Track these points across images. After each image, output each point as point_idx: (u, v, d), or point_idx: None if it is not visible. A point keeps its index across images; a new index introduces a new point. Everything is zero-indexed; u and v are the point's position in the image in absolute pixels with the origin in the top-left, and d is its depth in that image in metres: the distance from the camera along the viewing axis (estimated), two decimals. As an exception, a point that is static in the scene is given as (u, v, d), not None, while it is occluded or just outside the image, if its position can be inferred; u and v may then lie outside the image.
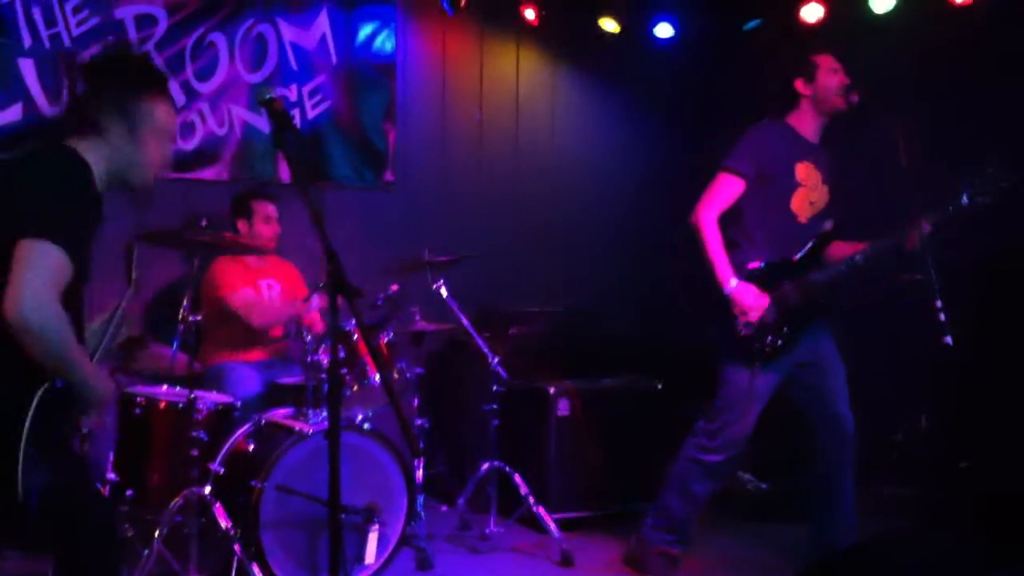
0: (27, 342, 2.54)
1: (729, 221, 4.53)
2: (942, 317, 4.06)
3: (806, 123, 4.57)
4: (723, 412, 4.49)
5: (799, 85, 4.56)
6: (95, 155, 2.87)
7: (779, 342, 4.39)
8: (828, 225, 4.61)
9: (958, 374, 5.33)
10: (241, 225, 5.51)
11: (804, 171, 4.51)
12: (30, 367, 2.58)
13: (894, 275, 5.47)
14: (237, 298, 5.30)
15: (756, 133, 4.57)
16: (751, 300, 4.36)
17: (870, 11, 5.91)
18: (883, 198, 4.52)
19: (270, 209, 5.53)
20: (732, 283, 4.38)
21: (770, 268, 4.45)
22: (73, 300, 2.68)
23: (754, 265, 4.46)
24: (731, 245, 4.49)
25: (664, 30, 6.89)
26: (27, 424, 2.53)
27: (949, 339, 4.05)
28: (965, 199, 4.15)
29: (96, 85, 2.99)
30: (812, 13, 6.23)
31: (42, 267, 2.57)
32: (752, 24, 6.86)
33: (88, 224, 2.78)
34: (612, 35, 6.84)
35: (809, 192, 4.52)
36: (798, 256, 4.48)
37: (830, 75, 4.51)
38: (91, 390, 2.76)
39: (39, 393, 2.58)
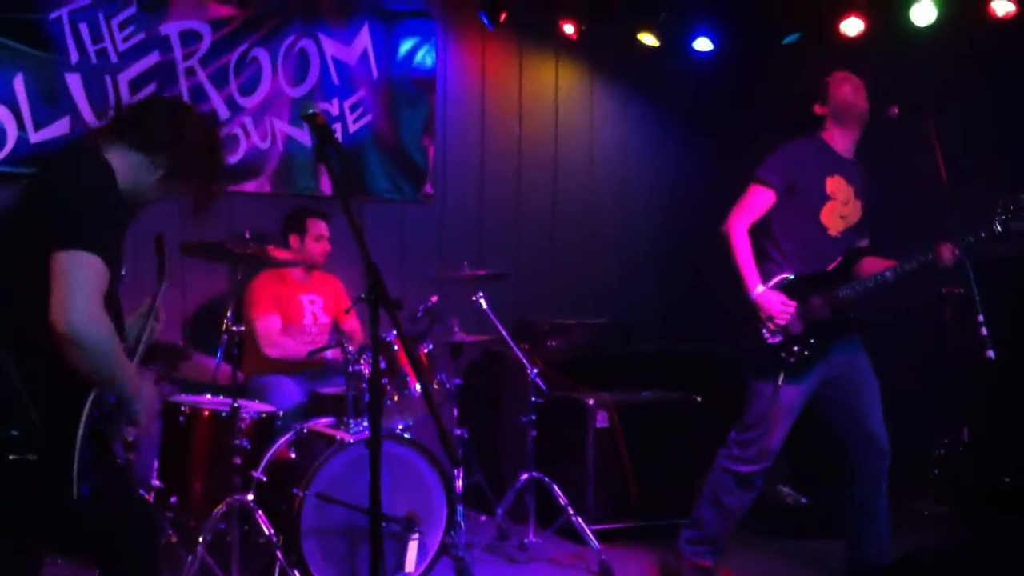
0: (75, 355, 2.53)
1: (761, 233, 4.55)
2: (984, 331, 4.04)
3: (837, 139, 4.59)
4: (754, 424, 4.49)
5: (818, 108, 4.60)
6: (121, 161, 2.86)
7: (805, 353, 4.39)
8: (864, 242, 4.62)
9: (1000, 389, 5.29)
10: (293, 240, 5.58)
11: (835, 185, 4.52)
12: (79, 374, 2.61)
13: (933, 289, 5.45)
14: (259, 325, 5.37)
15: (788, 147, 4.61)
16: (777, 307, 4.37)
17: (911, 24, 5.88)
18: (922, 211, 4.51)
19: (323, 228, 5.59)
20: (759, 289, 4.41)
21: (799, 280, 4.46)
22: (110, 302, 2.69)
23: (783, 275, 4.48)
24: (761, 256, 4.52)
25: (703, 44, 6.89)
26: (80, 429, 2.57)
27: (991, 353, 4.02)
28: (998, 226, 4.14)
29: (170, 124, 2.98)
30: (852, 27, 6.22)
31: (84, 277, 2.55)
32: (791, 38, 6.84)
33: (118, 227, 2.78)
34: (651, 49, 6.85)
35: (840, 206, 4.53)
36: (829, 269, 4.49)
37: (841, 85, 4.54)
38: (137, 402, 2.78)
39: (90, 399, 2.62)
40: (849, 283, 4.44)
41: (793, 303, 4.39)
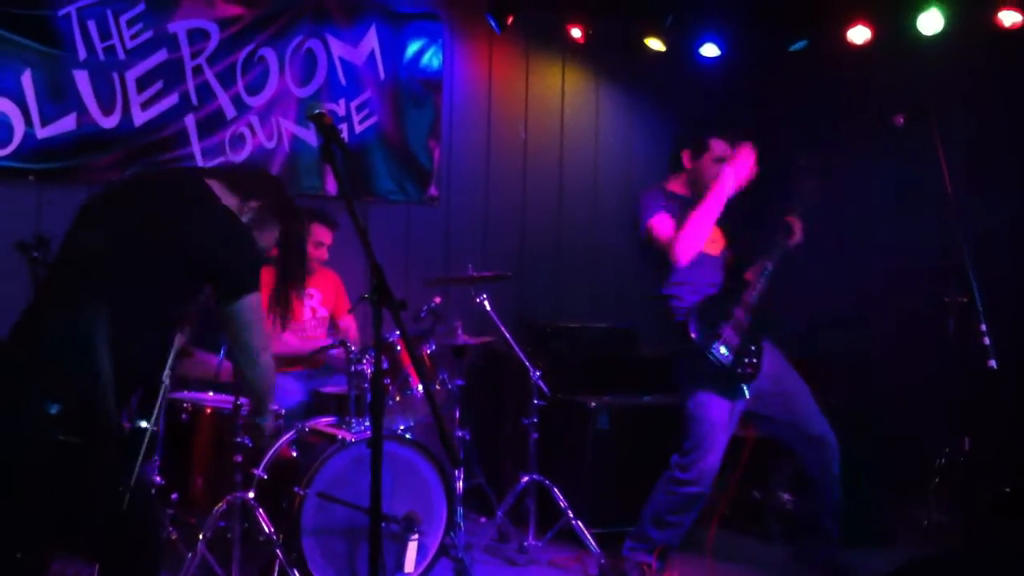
0: (260, 378, 3.14)
1: (661, 268, 4.62)
2: (986, 341, 4.05)
3: (680, 188, 4.69)
4: (696, 446, 4.50)
5: (685, 157, 4.68)
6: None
7: (755, 360, 4.46)
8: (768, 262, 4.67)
9: (1002, 398, 5.28)
10: None
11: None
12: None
13: (937, 298, 5.45)
14: None
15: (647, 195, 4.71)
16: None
17: (918, 33, 5.89)
18: (927, 218, 4.52)
19: (325, 235, 5.55)
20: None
21: (714, 299, 4.55)
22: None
23: (695, 301, 4.54)
24: (673, 296, 4.61)
25: (709, 50, 6.90)
26: (151, 429, 2.72)
27: (993, 363, 4.03)
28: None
29: (278, 205, 3.26)
30: (859, 35, 6.22)
31: (261, 320, 3.06)
32: (798, 45, 6.85)
33: None
34: (657, 54, 6.86)
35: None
36: (725, 282, 4.63)
37: (712, 166, 4.58)
38: (264, 427, 3.37)
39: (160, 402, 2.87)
40: (746, 289, 4.52)
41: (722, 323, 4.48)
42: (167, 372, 3.22)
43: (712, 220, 4.43)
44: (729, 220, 4.59)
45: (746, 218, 4.65)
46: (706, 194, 4.43)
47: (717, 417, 4.46)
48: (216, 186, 3.09)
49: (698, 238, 4.39)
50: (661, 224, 4.51)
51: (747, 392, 4.45)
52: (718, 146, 4.59)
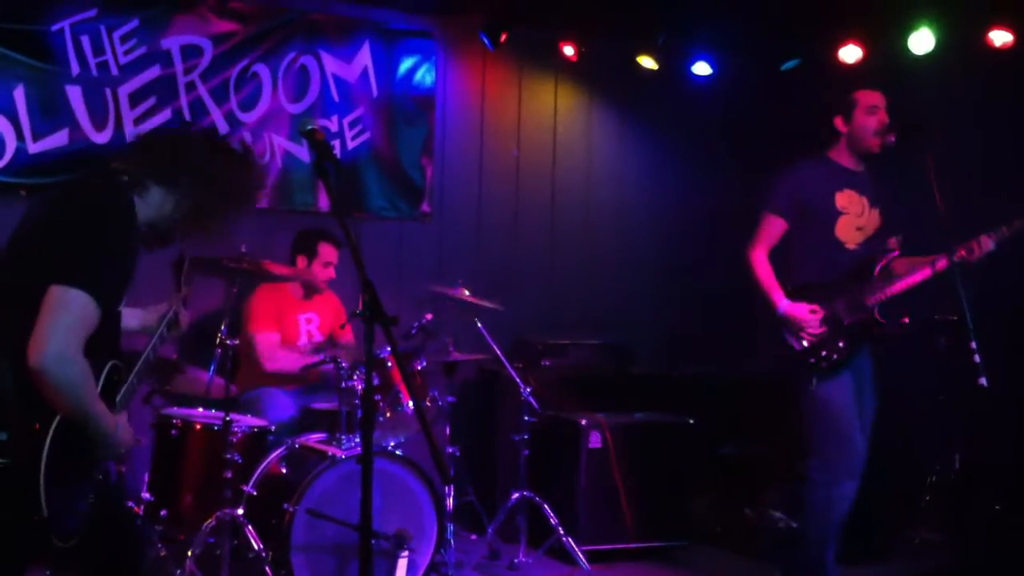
0: (46, 391, 2.53)
1: (782, 257, 4.59)
2: (977, 359, 4.05)
3: (844, 157, 4.63)
4: (823, 441, 4.44)
5: (838, 123, 4.61)
6: (144, 196, 2.85)
7: (834, 356, 4.40)
8: (892, 242, 4.61)
9: (992, 416, 5.29)
10: (300, 260, 5.55)
11: (845, 199, 4.56)
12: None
13: (927, 316, 5.46)
14: (259, 339, 5.36)
15: (791, 171, 4.65)
16: (805, 315, 4.41)
17: (909, 52, 5.92)
18: (917, 237, 4.53)
19: (333, 255, 5.54)
20: (784, 303, 4.44)
21: (822, 285, 4.49)
22: (107, 324, 2.69)
23: (803, 283, 4.51)
24: (784, 274, 4.55)
25: (702, 68, 6.93)
26: (46, 447, 2.55)
27: (984, 380, 4.03)
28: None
29: (198, 159, 2.94)
30: (851, 54, 6.25)
31: (70, 317, 2.54)
32: (790, 64, 6.88)
33: (126, 269, 2.76)
34: (650, 73, 6.88)
35: (854, 219, 4.57)
36: (851, 273, 4.51)
37: (867, 116, 4.54)
38: (108, 440, 2.73)
39: (55, 423, 2.58)
40: (876, 289, 4.44)
41: (818, 308, 4.42)
42: (153, 346, 3.08)
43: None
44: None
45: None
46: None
47: (816, 402, 4.42)
48: (117, 165, 2.87)
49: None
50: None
51: (814, 384, 4.38)
52: None
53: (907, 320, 4.46)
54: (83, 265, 2.60)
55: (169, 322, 3.17)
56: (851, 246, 4.56)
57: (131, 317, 3.16)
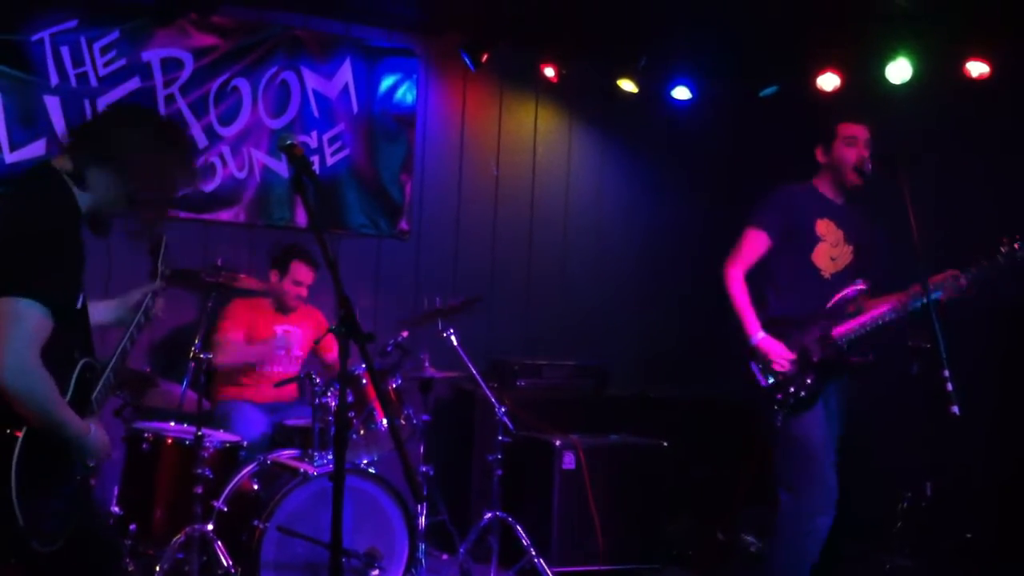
0: (13, 403, 2.53)
1: (757, 277, 4.60)
2: (949, 387, 4.06)
3: (827, 188, 4.66)
4: (795, 476, 4.45)
5: (818, 153, 4.65)
6: (83, 181, 2.81)
7: (801, 393, 4.41)
8: (860, 284, 4.61)
9: (964, 444, 5.32)
10: (273, 275, 5.54)
11: (824, 227, 4.60)
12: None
13: (900, 343, 5.49)
14: (221, 336, 5.39)
15: (780, 190, 4.69)
16: (777, 350, 4.41)
17: (886, 81, 5.97)
18: (894, 266, 4.56)
19: (306, 274, 5.52)
20: (759, 335, 4.44)
21: (796, 321, 4.50)
22: (76, 322, 2.69)
23: (778, 315, 4.52)
24: (760, 299, 4.56)
25: (681, 93, 6.97)
26: (14, 462, 2.53)
27: (956, 409, 4.05)
28: (1001, 259, 4.27)
29: (135, 140, 2.89)
30: (828, 82, 6.30)
31: (22, 329, 2.53)
32: (769, 91, 6.93)
33: (74, 266, 2.73)
34: (630, 96, 6.92)
35: (830, 248, 4.60)
36: (826, 307, 4.52)
37: (845, 148, 4.57)
38: (83, 444, 2.74)
39: (23, 432, 2.56)
40: (844, 323, 4.46)
41: (790, 347, 4.42)
42: (130, 336, 3.06)
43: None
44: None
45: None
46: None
47: (777, 432, 4.43)
48: (56, 161, 2.83)
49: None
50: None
51: (779, 420, 4.39)
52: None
53: (872, 357, 4.48)
54: (29, 273, 2.58)
55: (146, 309, 3.14)
56: (826, 275, 4.58)
57: (104, 311, 3.15)
